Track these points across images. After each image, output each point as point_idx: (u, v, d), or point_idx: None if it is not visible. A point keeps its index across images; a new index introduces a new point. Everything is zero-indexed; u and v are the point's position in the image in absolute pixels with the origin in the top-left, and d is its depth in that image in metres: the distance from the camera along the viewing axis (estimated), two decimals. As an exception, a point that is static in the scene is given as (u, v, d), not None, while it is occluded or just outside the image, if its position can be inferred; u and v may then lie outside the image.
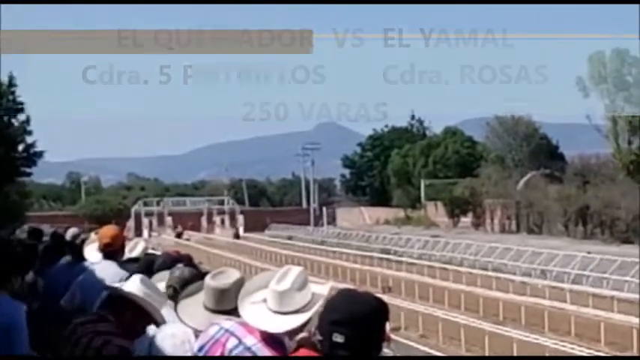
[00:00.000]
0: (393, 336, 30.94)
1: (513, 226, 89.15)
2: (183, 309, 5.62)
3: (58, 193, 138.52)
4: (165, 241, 77.05)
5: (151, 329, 6.00)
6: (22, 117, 59.23)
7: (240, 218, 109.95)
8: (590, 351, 29.66)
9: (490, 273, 51.93)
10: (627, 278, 46.31)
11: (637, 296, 41.48)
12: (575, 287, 45.51)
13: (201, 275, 6.59)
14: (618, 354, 29.80)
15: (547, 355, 29.29)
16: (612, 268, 49.31)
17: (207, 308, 5.41)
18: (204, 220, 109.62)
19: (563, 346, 30.65)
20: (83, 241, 13.35)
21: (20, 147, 59.17)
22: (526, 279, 49.32)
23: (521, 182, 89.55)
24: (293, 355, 3.72)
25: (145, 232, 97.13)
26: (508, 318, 38.12)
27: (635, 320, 35.14)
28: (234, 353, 4.59)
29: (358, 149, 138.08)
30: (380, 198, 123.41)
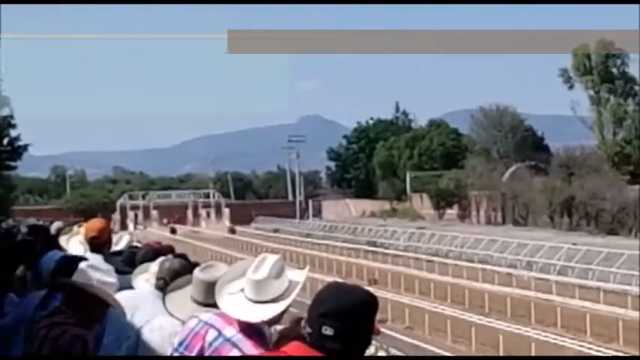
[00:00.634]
0: (378, 326, 31.03)
1: (499, 218, 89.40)
2: (172, 301, 5.59)
3: (44, 187, 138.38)
4: (150, 234, 76.79)
5: (139, 321, 5.98)
6: (5, 111, 59.09)
7: (226, 211, 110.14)
8: (575, 341, 29.64)
9: (476, 265, 52.00)
10: (613, 269, 46.43)
11: (623, 287, 41.66)
12: (561, 278, 45.62)
13: (191, 267, 6.57)
14: (604, 345, 29.78)
15: (533, 347, 29.32)
16: (598, 259, 49.42)
17: (195, 301, 5.37)
18: (189, 214, 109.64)
19: (549, 337, 30.73)
20: (60, 232, 13.35)
21: (4, 141, 59.00)
22: (512, 270, 49.45)
23: (507, 174, 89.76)
24: (285, 348, 3.66)
25: (131, 226, 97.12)
26: (494, 309, 38.20)
27: (620, 311, 35.28)
28: (214, 345, 4.55)
29: (343, 142, 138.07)
30: (365, 190, 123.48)
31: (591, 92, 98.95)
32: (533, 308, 36.75)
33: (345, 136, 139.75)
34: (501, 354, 29.99)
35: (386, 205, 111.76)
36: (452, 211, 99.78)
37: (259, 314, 4.44)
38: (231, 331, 4.51)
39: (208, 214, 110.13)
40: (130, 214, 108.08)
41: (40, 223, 18.12)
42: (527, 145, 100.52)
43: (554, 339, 30.14)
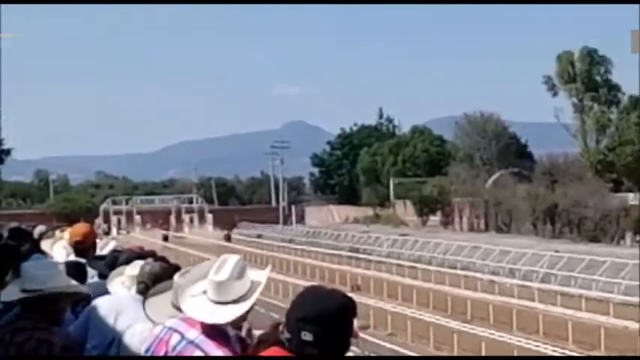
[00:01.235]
0: (361, 333, 31.08)
1: (482, 225, 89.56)
2: (151, 306, 5.58)
3: (27, 191, 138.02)
4: (133, 239, 76.63)
5: (121, 326, 6.02)
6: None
7: (210, 217, 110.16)
8: (557, 349, 29.77)
9: (458, 271, 52.09)
10: (595, 277, 46.61)
11: (605, 295, 41.82)
12: (544, 286, 45.77)
13: (172, 270, 6.58)
14: (586, 353, 29.93)
15: (515, 353, 29.43)
16: (580, 266, 49.61)
17: (174, 306, 5.37)
18: (173, 219, 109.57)
19: (532, 344, 30.85)
20: (42, 236, 13.33)
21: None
22: (494, 278, 49.55)
23: (490, 181, 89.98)
24: (264, 354, 3.69)
25: (114, 230, 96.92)
26: (476, 316, 38.31)
27: (602, 319, 35.43)
28: (177, 349, 4.56)
29: (327, 147, 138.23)
30: (349, 196, 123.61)
31: (575, 100, 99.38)
32: (516, 315, 36.87)
33: (328, 142, 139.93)
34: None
35: (369, 212, 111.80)
36: (435, 218, 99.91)
37: (222, 315, 4.44)
38: (194, 334, 4.52)
39: (192, 220, 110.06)
40: (113, 218, 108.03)
41: (23, 227, 18.01)
42: (511, 152, 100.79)
43: (537, 346, 30.30)
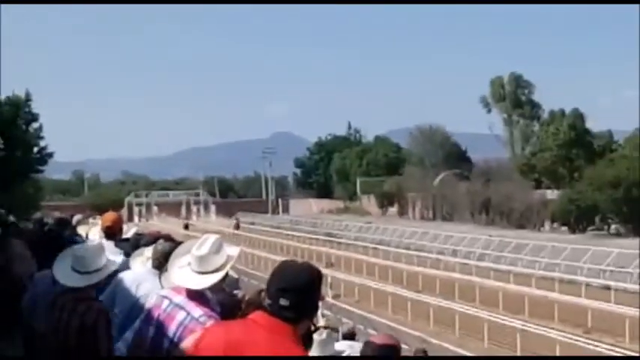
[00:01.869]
0: (333, 300, 31.00)
1: (430, 215, 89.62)
2: (167, 279, 5.63)
3: (66, 187, 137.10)
4: (151, 225, 76.07)
5: (141, 294, 6.02)
6: (36, 125, 58.80)
7: (213, 207, 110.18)
8: (491, 314, 29.71)
9: (412, 252, 52.03)
10: (520, 256, 46.83)
11: (528, 270, 41.93)
12: (480, 263, 45.82)
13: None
14: (512, 316, 29.91)
15: (457, 318, 29.38)
16: (509, 248, 49.82)
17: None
18: (183, 210, 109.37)
19: (470, 310, 30.83)
20: (79, 223, 13.49)
21: (35, 149, 58.73)
22: (440, 256, 49.51)
23: (437, 180, 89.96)
24: (251, 316, 3.66)
25: (136, 219, 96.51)
26: (426, 288, 38.28)
27: (526, 290, 35.48)
28: (167, 311, 4.66)
29: (307, 153, 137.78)
30: (324, 192, 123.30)
31: (504, 115, 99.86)
32: (457, 287, 36.88)
33: (308, 149, 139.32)
34: (431, 324, 30.10)
35: (340, 204, 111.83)
36: (393, 209, 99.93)
37: (202, 282, 4.53)
38: (179, 298, 4.60)
39: (198, 210, 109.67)
40: (136, 209, 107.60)
41: (64, 216, 18.23)
42: (453, 157, 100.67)
43: (475, 312, 30.27)
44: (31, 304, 7.11)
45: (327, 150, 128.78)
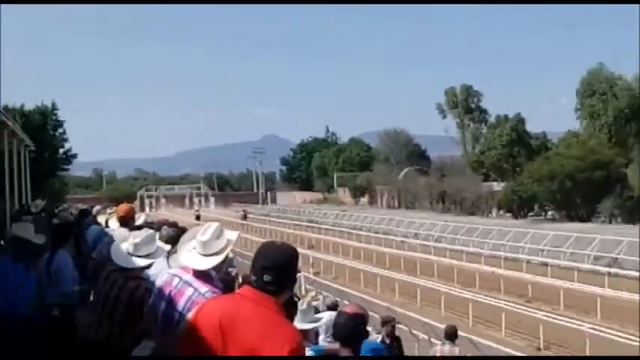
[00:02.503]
0: (314, 277, 30.96)
1: (396, 204, 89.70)
2: (173, 259, 5.70)
3: (87, 182, 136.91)
4: (159, 214, 75.77)
5: (152, 273, 5.96)
6: (61, 130, 58.83)
7: (212, 199, 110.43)
8: (447, 286, 29.79)
9: (380, 235, 52.16)
10: (472, 238, 47.02)
11: (478, 250, 42.14)
12: (437, 244, 46.02)
13: (181, 232, 6.58)
14: (465, 289, 30.00)
15: (418, 291, 29.43)
16: (462, 231, 50.01)
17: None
18: (187, 201, 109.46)
19: (429, 283, 30.91)
20: (98, 213, 13.73)
21: (60, 151, 58.78)
22: (404, 239, 49.67)
23: (401, 175, 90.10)
24: (239, 291, 3.68)
25: (147, 209, 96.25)
26: (393, 265, 38.38)
27: (476, 266, 35.62)
28: (178, 287, 4.65)
29: (291, 153, 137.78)
30: (306, 185, 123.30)
31: (457, 120, 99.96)
32: (419, 264, 36.98)
33: (292, 149, 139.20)
34: (397, 296, 30.14)
35: (320, 196, 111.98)
36: (364, 200, 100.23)
37: (206, 263, 4.54)
38: (187, 276, 4.62)
39: (200, 201, 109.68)
40: (147, 201, 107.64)
41: (86, 207, 18.70)
42: (415, 155, 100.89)
43: (434, 285, 30.33)
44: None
45: (308, 150, 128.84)
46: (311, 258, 37.68)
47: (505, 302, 26.10)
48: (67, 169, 67.22)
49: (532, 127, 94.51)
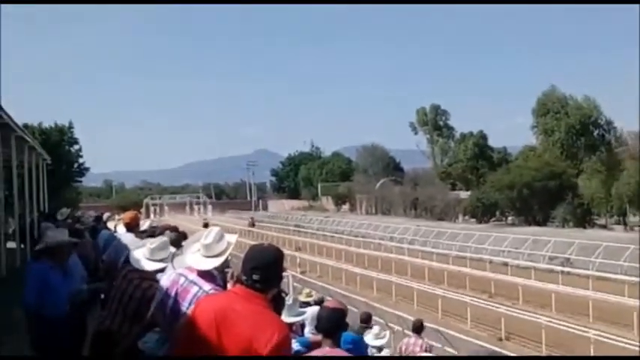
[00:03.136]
0: (300, 275, 30.90)
1: (373, 210, 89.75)
2: (178, 261, 5.66)
3: (98, 192, 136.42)
4: (163, 220, 75.30)
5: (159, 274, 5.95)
6: (76, 147, 58.96)
7: (210, 207, 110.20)
8: (420, 285, 29.79)
9: (360, 238, 52.12)
10: (441, 241, 47.10)
11: (447, 252, 42.14)
12: (410, 246, 46.00)
13: (182, 236, 6.58)
14: (435, 286, 29.99)
15: (393, 287, 29.38)
16: (432, 234, 50.05)
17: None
18: (187, 208, 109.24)
19: (403, 281, 30.88)
20: (108, 219, 13.70)
21: (75, 165, 58.80)
22: (381, 241, 49.63)
23: (378, 184, 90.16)
24: (232, 289, 3.69)
25: (152, 216, 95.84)
26: (371, 265, 38.30)
27: (445, 266, 35.62)
28: (184, 285, 4.57)
29: (280, 165, 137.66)
30: (294, 194, 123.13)
31: (428, 136, 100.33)
32: (394, 264, 36.98)
33: (281, 162, 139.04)
34: (374, 292, 30.09)
35: (306, 203, 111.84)
36: (345, 207, 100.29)
37: (209, 264, 4.50)
38: (192, 276, 4.56)
39: (199, 209, 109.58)
40: (152, 208, 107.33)
41: (98, 214, 18.72)
42: (390, 167, 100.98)
43: (407, 283, 30.34)
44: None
45: (295, 163, 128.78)
46: (298, 259, 37.66)
47: (470, 298, 26.12)
48: (80, 181, 67.25)
49: (493, 142, 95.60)
